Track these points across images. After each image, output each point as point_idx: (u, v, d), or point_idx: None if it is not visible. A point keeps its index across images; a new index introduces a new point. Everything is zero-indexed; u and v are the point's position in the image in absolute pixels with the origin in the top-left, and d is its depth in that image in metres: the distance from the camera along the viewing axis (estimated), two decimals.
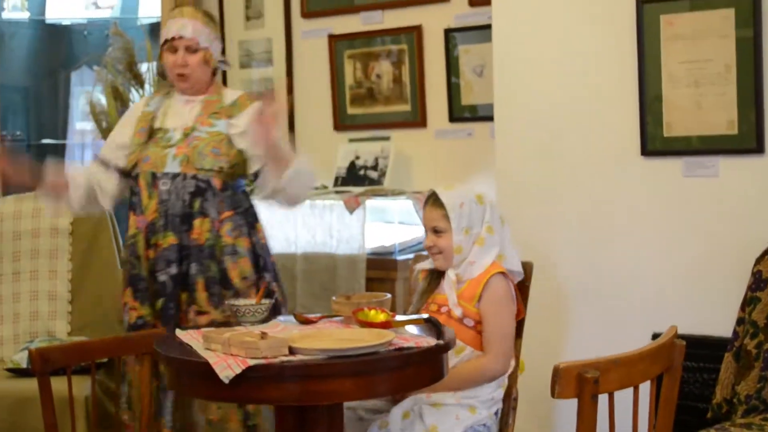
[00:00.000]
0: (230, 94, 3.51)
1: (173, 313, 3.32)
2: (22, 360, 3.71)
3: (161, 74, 3.59)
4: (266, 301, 2.85)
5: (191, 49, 3.39)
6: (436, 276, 3.07)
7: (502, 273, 2.97)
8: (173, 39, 3.38)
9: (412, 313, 3.00)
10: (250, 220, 3.45)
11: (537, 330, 3.44)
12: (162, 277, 3.32)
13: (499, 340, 2.92)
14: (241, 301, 2.89)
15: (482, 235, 3.00)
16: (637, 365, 2.11)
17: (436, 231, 3.02)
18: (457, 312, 2.94)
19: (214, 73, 3.49)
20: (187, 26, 3.39)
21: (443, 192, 3.03)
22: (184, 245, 3.33)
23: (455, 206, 2.99)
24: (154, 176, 3.36)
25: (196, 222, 3.35)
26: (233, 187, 3.42)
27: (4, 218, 4.13)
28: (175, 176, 3.35)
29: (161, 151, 3.37)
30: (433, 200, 3.04)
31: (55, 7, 5.32)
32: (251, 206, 3.48)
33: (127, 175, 3.44)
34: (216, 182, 3.37)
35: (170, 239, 3.33)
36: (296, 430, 2.61)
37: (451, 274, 3.00)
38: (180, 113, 3.45)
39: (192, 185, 3.35)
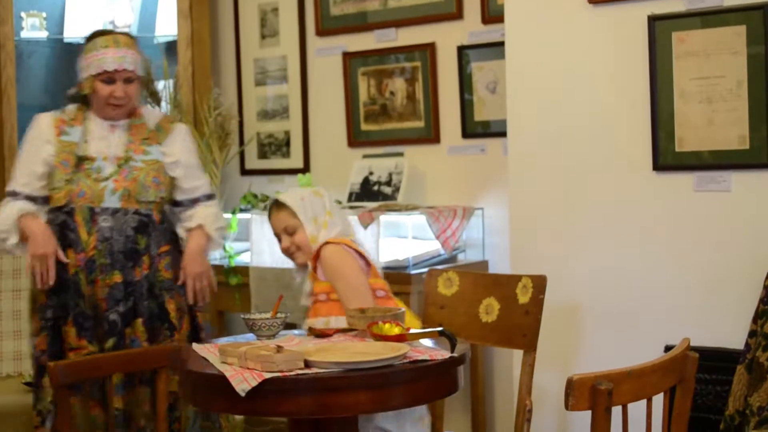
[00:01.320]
0: (150, 116, 3.51)
1: (121, 350, 3.32)
2: None
3: (73, 98, 3.48)
4: (281, 315, 2.87)
5: (129, 80, 3.36)
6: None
7: (331, 243, 3.25)
8: (114, 71, 3.32)
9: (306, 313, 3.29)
10: (181, 252, 3.48)
11: (550, 342, 3.46)
12: (112, 316, 3.30)
13: (354, 296, 3.16)
14: (256, 315, 2.91)
15: (325, 219, 3.29)
16: (651, 377, 2.13)
17: (287, 231, 3.29)
18: (321, 297, 3.22)
19: None
20: (126, 57, 3.34)
21: (282, 195, 3.34)
22: (128, 282, 3.32)
23: (297, 201, 3.30)
24: (92, 211, 3.31)
25: (145, 258, 3.35)
26: (167, 219, 3.46)
27: None
28: (115, 211, 3.32)
29: (96, 185, 3.32)
30: (275, 205, 3.32)
31: (73, 26, 5.37)
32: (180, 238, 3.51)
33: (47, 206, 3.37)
34: (156, 216, 3.40)
35: (116, 277, 3.31)
36: None
37: (309, 264, 3.28)
38: (103, 138, 3.39)
39: (135, 220, 3.35)
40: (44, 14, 5.25)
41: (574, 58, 3.60)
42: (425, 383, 2.49)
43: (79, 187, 3.30)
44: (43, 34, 5.27)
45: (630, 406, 2.12)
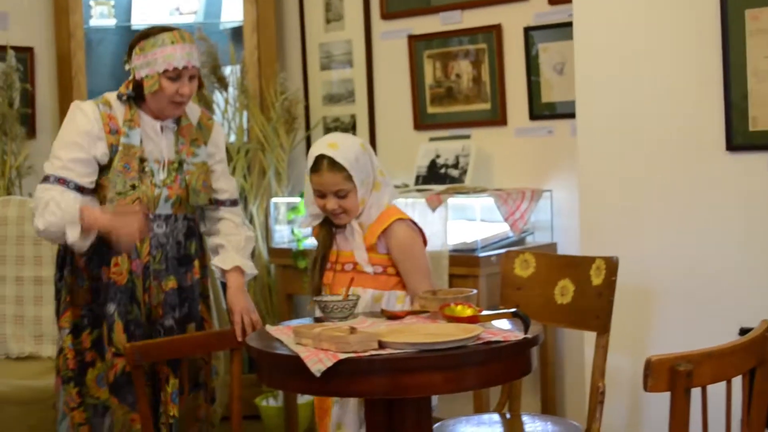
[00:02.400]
0: (191, 112, 3.35)
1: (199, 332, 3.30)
2: None
3: (125, 97, 3.21)
4: (353, 297, 2.88)
5: (192, 77, 3.21)
6: (328, 229, 3.17)
7: (402, 219, 3.12)
8: (183, 68, 3.14)
9: (315, 273, 3.17)
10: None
11: (622, 324, 3.44)
12: (168, 322, 3.23)
13: (421, 280, 3.07)
14: (328, 297, 2.93)
15: (378, 179, 3.12)
16: (730, 359, 2.10)
17: (338, 194, 3.05)
18: (369, 269, 3.08)
19: None
20: (193, 54, 3.19)
21: (335, 152, 3.04)
22: (182, 287, 3.28)
23: (353, 162, 3.05)
24: (146, 218, 3.16)
25: (195, 263, 3.32)
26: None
27: None
28: (168, 217, 3.25)
29: (151, 191, 3.20)
30: (328, 164, 3.04)
31: (140, 13, 5.44)
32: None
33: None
34: (198, 222, 3.38)
35: (171, 283, 3.25)
36: (385, 423, 2.65)
37: (355, 225, 3.10)
38: (153, 140, 3.25)
39: (185, 226, 3.30)
40: (112, 2, 5.33)
41: (644, 37, 3.55)
42: (499, 364, 2.49)
43: (138, 194, 3.18)
44: (111, 22, 5.34)
45: (708, 388, 2.10)
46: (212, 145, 3.38)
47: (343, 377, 2.40)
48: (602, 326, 3.12)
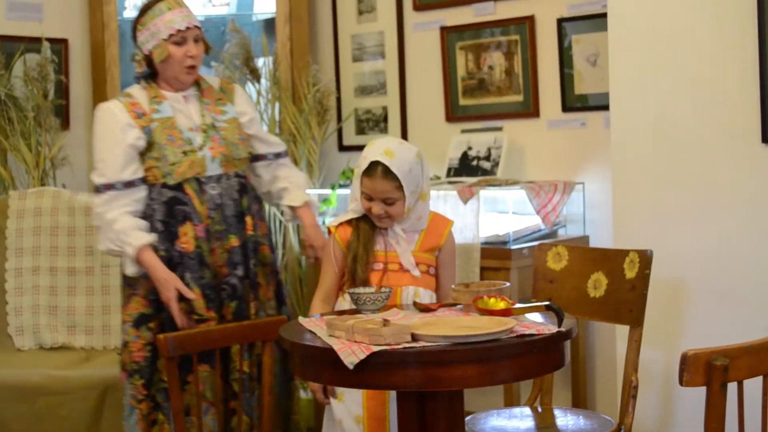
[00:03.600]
0: (209, 78, 3.51)
1: (246, 314, 3.36)
2: None
3: (139, 77, 3.43)
4: (386, 289, 2.88)
5: (197, 39, 3.33)
6: (366, 229, 3.14)
7: (450, 223, 3.22)
8: (186, 30, 3.29)
9: (359, 267, 3.10)
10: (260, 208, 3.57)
11: (655, 318, 3.42)
12: (232, 280, 3.33)
13: (453, 281, 3.14)
14: (361, 290, 2.93)
15: (425, 190, 3.13)
16: (767, 353, 2.09)
17: (387, 201, 3.05)
18: (415, 273, 3.09)
19: None
20: (191, 15, 3.33)
21: (391, 161, 3.03)
22: (243, 243, 3.37)
23: (406, 174, 3.04)
24: (198, 181, 3.32)
25: (248, 219, 3.40)
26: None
27: None
28: (219, 177, 3.35)
29: (195, 155, 3.32)
30: (383, 172, 3.02)
31: None
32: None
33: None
34: (248, 178, 3.49)
35: (233, 241, 3.35)
36: (417, 416, 2.65)
37: (398, 230, 3.11)
38: (181, 111, 3.37)
39: (237, 183, 3.40)
40: None
41: (679, 29, 3.52)
42: (532, 357, 2.48)
43: (192, 161, 3.31)
44: None
45: (744, 382, 2.08)
46: (239, 104, 3.49)
47: (377, 370, 2.40)
48: (635, 320, 3.10)
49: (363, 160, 3.07)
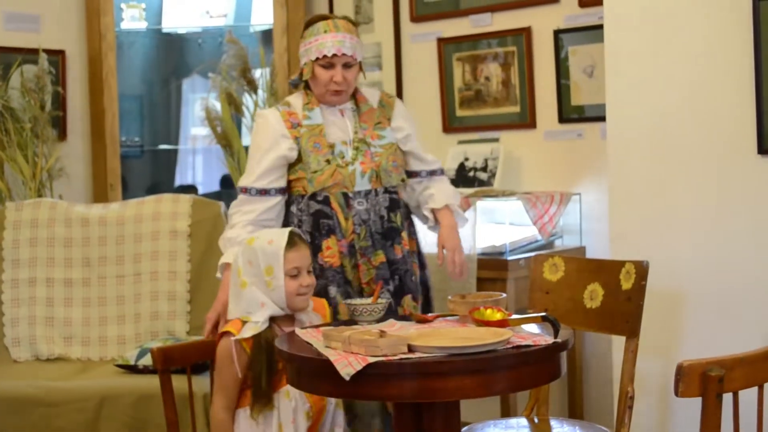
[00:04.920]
0: (372, 97, 3.45)
1: None
2: (131, 357, 3.81)
3: (295, 85, 3.47)
4: (382, 301, 2.89)
5: (348, 65, 3.28)
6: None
7: None
8: (333, 56, 3.24)
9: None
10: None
11: (651, 329, 3.42)
12: (385, 296, 3.23)
13: None
14: (357, 301, 2.93)
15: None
16: (763, 364, 2.09)
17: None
18: None
19: None
20: (345, 42, 3.25)
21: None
22: (390, 260, 3.30)
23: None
24: (345, 196, 3.27)
25: (403, 235, 3.35)
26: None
27: (126, 221, 4.25)
28: (367, 193, 3.30)
29: (345, 170, 3.27)
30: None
31: (171, 16, 5.47)
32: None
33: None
34: (401, 194, 3.41)
35: (380, 257, 3.28)
36: (413, 427, 2.65)
37: None
38: (335, 123, 3.35)
39: (386, 200, 3.32)
40: (143, 5, 5.36)
41: (675, 40, 3.53)
42: (529, 368, 2.48)
43: (334, 170, 3.27)
44: (142, 25, 5.38)
45: (740, 393, 2.09)
46: (396, 120, 3.42)
47: (373, 381, 2.40)
48: (632, 331, 3.10)
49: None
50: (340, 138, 3.32)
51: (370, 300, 2.90)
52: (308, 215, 3.30)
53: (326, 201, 3.28)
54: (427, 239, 3.57)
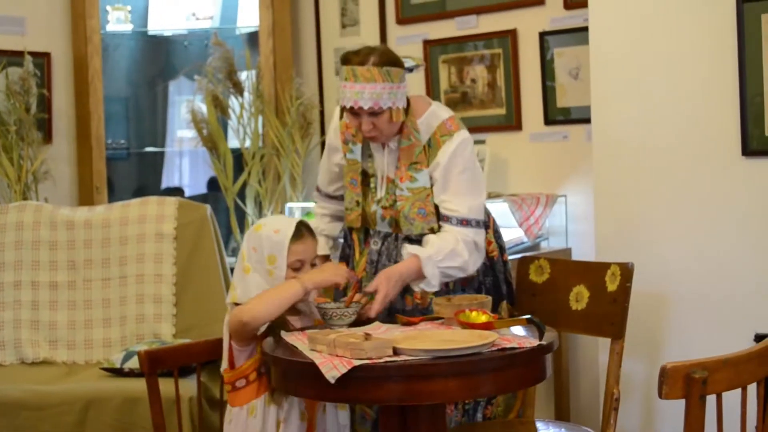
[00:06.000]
0: (425, 127, 3.15)
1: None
2: (117, 360, 3.80)
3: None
4: (355, 304, 2.86)
5: (374, 113, 3.01)
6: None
7: None
8: (351, 108, 3.01)
9: None
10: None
11: (637, 331, 3.43)
12: None
13: None
14: (329, 304, 2.90)
15: None
16: (747, 366, 2.10)
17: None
18: None
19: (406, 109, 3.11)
20: (363, 93, 2.97)
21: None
22: (395, 309, 3.10)
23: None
24: (366, 232, 3.23)
25: (416, 289, 3.08)
26: None
27: (111, 224, 4.23)
28: (386, 236, 3.20)
29: (369, 207, 3.20)
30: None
31: (157, 19, 5.46)
32: None
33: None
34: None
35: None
36: (399, 430, 2.65)
37: None
38: (377, 158, 3.20)
39: (404, 247, 3.11)
40: (129, 8, 5.34)
41: (660, 42, 3.55)
42: (514, 371, 2.49)
43: (361, 213, 3.21)
44: (127, 28, 5.36)
45: (723, 395, 2.09)
46: (436, 162, 3.12)
47: (358, 384, 2.40)
48: (617, 332, 3.11)
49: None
50: (380, 173, 3.19)
51: (342, 304, 2.88)
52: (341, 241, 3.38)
53: (350, 231, 3.31)
54: None
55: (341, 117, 3.28)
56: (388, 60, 3.03)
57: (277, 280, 2.87)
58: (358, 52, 3.04)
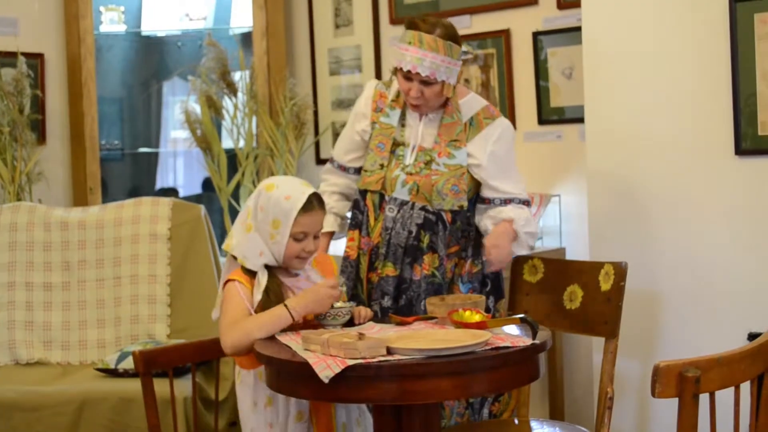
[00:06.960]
0: (467, 108, 3.24)
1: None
2: (111, 361, 3.80)
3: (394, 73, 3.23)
4: (347, 304, 2.86)
5: (427, 83, 3.08)
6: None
7: None
8: (408, 72, 3.06)
9: None
10: (472, 245, 3.28)
11: (631, 330, 3.44)
12: (374, 307, 3.16)
13: None
14: None
15: None
16: (739, 364, 2.10)
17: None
18: None
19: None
20: (424, 61, 3.03)
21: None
22: (403, 278, 3.16)
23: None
24: (381, 198, 3.21)
25: (426, 257, 3.16)
26: (462, 216, 3.24)
27: (106, 225, 4.23)
28: (402, 204, 3.18)
29: (391, 173, 3.19)
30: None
31: (151, 19, 5.45)
32: (473, 231, 3.28)
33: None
34: (447, 216, 3.19)
35: (388, 270, 3.17)
36: (393, 429, 2.65)
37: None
38: (414, 126, 3.22)
39: (420, 216, 3.16)
40: (122, 8, 5.34)
41: (653, 42, 3.55)
42: (507, 370, 2.49)
43: (382, 176, 3.21)
44: (121, 28, 5.36)
45: (717, 394, 2.10)
46: (474, 146, 3.21)
47: (352, 383, 2.40)
48: (611, 332, 3.11)
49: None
50: (412, 141, 3.22)
51: (338, 303, 2.87)
52: (353, 207, 3.35)
53: (363, 195, 3.27)
54: None
55: (390, 77, 3.32)
56: (453, 36, 3.12)
57: (276, 246, 2.84)
58: (425, 20, 3.12)
